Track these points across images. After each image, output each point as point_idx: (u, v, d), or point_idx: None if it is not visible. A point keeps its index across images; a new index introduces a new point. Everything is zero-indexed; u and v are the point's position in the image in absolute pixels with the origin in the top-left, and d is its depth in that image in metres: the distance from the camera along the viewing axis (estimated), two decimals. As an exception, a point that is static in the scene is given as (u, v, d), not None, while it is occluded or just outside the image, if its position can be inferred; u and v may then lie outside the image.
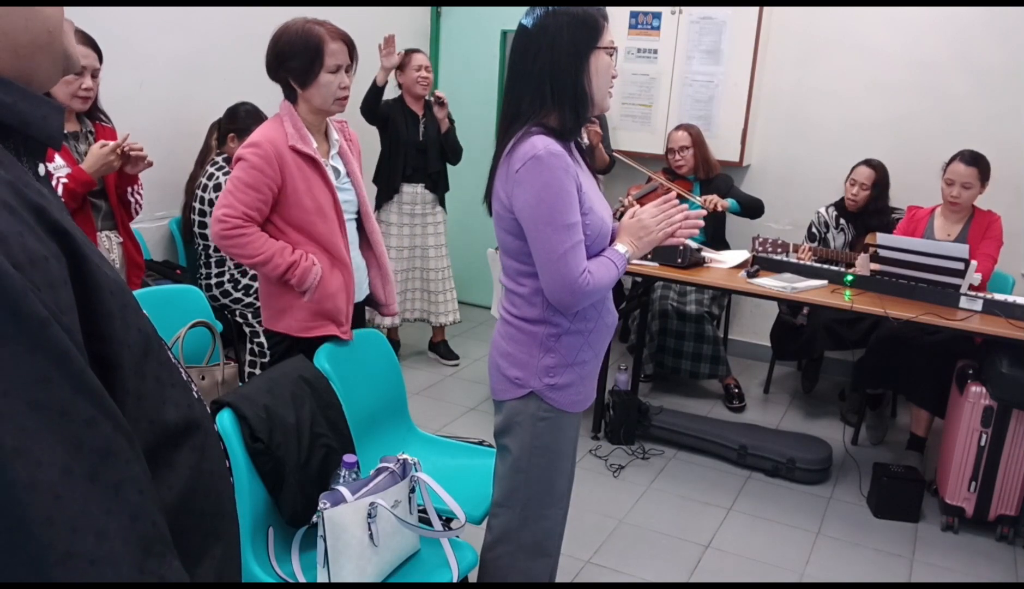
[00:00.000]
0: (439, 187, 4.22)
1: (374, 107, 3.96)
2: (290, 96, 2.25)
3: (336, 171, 2.34)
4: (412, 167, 4.11)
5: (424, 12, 5.08)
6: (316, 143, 2.27)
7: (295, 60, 2.17)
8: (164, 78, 3.46)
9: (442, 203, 4.28)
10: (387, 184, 4.15)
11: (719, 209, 3.91)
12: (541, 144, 1.68)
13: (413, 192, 4.16)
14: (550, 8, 1.74)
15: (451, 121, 4.16)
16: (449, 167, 4.26)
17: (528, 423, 1.85)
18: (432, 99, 4.08)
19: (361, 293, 2.48)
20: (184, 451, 0.71)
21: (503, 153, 1.77)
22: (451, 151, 4.16)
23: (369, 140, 4.16)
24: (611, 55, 1.77)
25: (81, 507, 0.55)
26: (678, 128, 4.16)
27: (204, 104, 3.55)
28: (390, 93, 4.07)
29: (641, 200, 4.09)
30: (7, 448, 0.52)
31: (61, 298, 0.58)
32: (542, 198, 1.68)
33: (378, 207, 4.19)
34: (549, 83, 1.72)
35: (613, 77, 1.81)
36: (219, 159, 3.36)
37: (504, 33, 5.01)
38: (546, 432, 1.85)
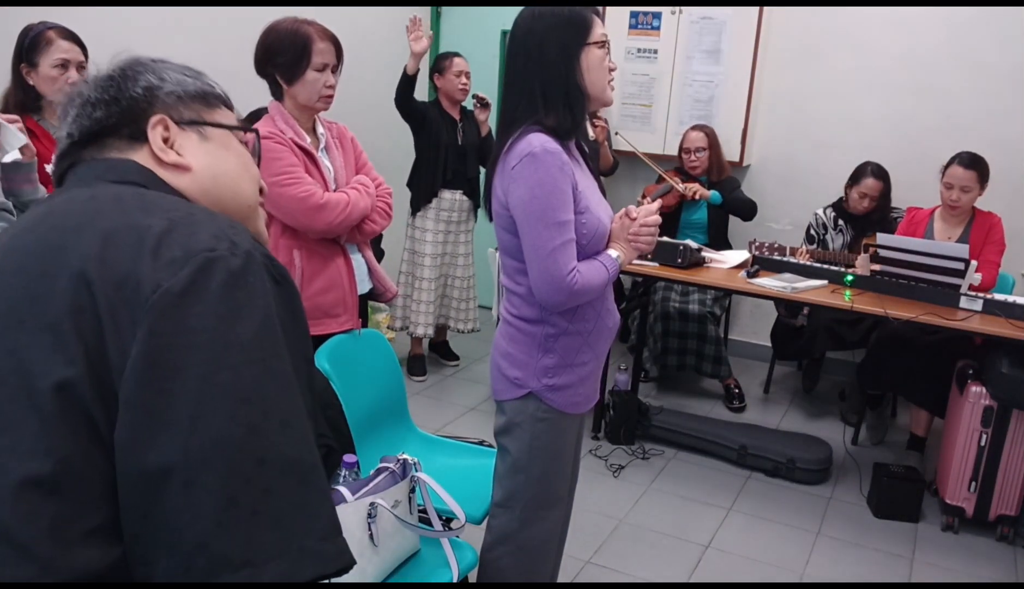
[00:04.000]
0: (476, 193, 4.11)
1: (407, 97, 3.82)
2: (276, 93, 2.28)
3: (327, 168, 2.36)
4: (452, 172, 4.00)
5: (424, 12, 5.08)
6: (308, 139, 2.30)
7: (282, 56, 2.20)
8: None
9: (476, 210, 4.20)
10: (426, 189, 4.02)
11: (697, 198, 3.92)
12: (537, 142, 1.69)
13: (452, 199, 4.06)
14: (536, 11, 1.73)
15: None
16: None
17: (527, 424, 1.85)
18: (473, 102, 4.00)
19: (363, 286, 2.49)
20: None
21: (500, 154, 1.77)
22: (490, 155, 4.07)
23: (401, 143, 4.14)
24: (603, 48, 1.76)
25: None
26: (696, 128, 4.14)
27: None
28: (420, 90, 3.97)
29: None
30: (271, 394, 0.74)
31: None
32: (535, 195, 1.68)
33: (414, 212, 4.09)
34: (540, 89, 1.73)
35: (612, 69, 1.80)
36: None
37: (504, 33, 5.01)
38: (545, 433, 1.85)
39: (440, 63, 4.00)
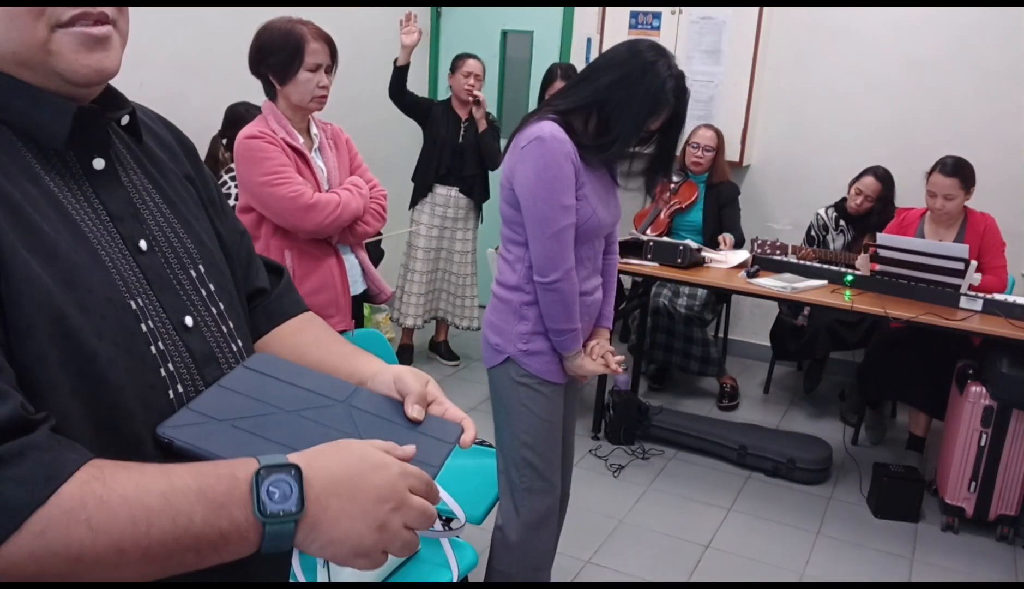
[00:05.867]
0: (475, 192, 4.15)
1: (399, 90, 3.89)
2: (270, 93, 2.28)
3: (320, 169, 2.36)
4: (446, 168, 4.07)
5: (424, 12, 5.07)
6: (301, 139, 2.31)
7: (275, 56, 2.20)
8: (164, 79, 3.46)
9: (478, 210, 4.23)
10: (421, 183, 4.13)
11: (721, 248, 3.91)
12: (548, 128, 1.81)
13: (447, 195, 4.11)
14: (661, 58, 1.84)
15: (493, 125, 4.10)
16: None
17: (508, 387, 1.99)
18: (470, 100, 4.05)
19: (356, 287, 2.49)
20: None
21: (516, 132, 1.89)
22: (486, 154, 4.06)
23: (399, 143, 4.13)
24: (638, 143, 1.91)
25: None
26: (707, 127, 4.12)
27: (204, 104, 3.55)
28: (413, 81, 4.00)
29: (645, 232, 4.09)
30: None
31: None
32: (541, 177, 1.81)
33: (412, 205, 4.19)
34: (594, 102, 1.85)
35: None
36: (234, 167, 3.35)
37: (504, 33, 5.01)
38: (525, 396, 1.98)
39: (454, 63, 4.06)
